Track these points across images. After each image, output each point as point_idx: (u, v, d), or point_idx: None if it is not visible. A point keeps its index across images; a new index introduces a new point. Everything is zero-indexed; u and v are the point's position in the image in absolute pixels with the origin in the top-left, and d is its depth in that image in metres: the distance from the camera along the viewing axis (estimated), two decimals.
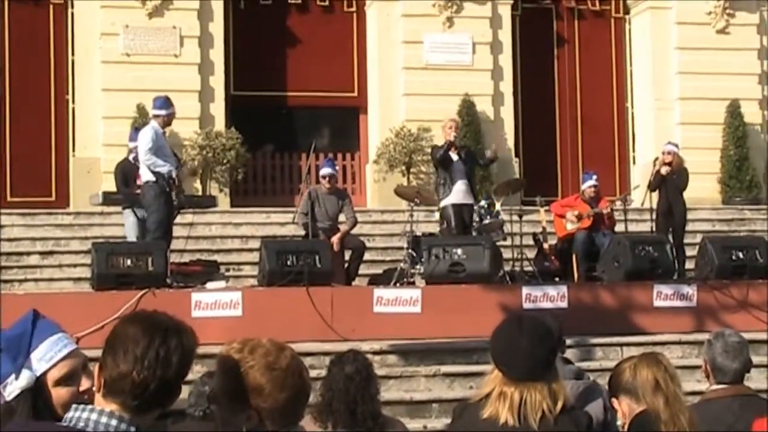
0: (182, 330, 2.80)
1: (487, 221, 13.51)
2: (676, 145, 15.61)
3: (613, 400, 4.22)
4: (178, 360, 2.74)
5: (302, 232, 14.15)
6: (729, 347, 4.78)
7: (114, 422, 2.71)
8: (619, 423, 4.24)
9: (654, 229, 14.93)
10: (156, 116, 12.34)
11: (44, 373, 2.98)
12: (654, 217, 15.19)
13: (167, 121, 12.39)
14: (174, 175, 11.94)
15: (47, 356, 2.99)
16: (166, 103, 12.44)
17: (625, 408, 4.13)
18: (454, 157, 13.58)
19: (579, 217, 14.41)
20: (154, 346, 2.73)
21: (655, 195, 14.86)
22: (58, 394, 2.98)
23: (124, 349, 2.74)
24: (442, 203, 13.54)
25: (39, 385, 2.97)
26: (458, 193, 13.45)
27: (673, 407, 4.03)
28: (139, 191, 12.80)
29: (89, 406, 2.74)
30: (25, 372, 2.96)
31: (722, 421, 4.59)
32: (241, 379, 2.90)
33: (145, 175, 12.04)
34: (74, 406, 2.76)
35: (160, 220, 11.93)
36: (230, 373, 2.93)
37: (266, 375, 2.90)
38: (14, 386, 2.94)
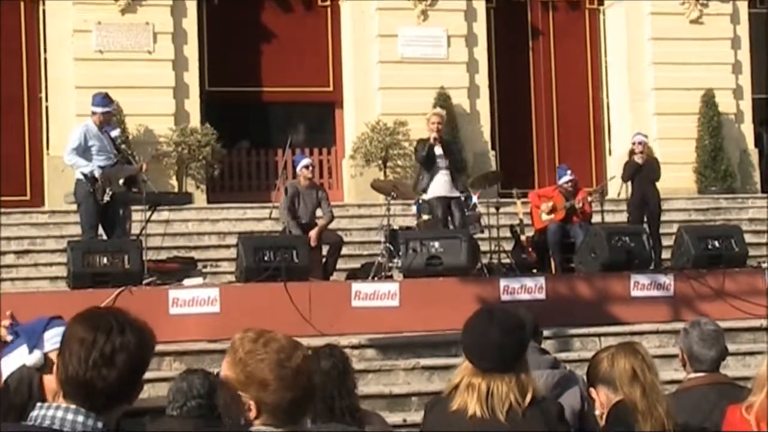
0: (130, 328, 2.75)
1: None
2: (645, 135, 15.71)
3: (591, 390, 4.22)
4: (124, 359, 2.70)
5: (279, 228, 14.13)
6: (705, 336, 4.79)
7: (80, 418, 2.70)
8: (597, 413, 4.24)
9: (629, 219, 15.01)
10: (93, 113, 12.25)
11: (47, 354, 3.16)
12: (627, 207, 15.27)
13: (104, 119, 12.27)
14: (98, 174, 11.91)
15: (53, 339, 3.17)
16: (104, 100, 12.33)
17: (603, 398, 4.14)
18: (438, 150, 13.41)
19: (554, 209, 14.43)
20: (98, 346, 2.69)
21: (629, 186, 14.94)
22: (51, 381, 3.07)
23: (70, 350, 2.73)
24: (426, 197, 13.42)
25: (32, 375, 3.10)
26: (440, 185, 13.27)
27: (650, 397, 4.03)
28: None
29: (54, 404, 2.73)
30: (36, 352, 3.14)
31: (700, 409, 4.60)
32: (250, 371, 2.88)
33: (76, 173, 12.08)
34: (39, 404, 2.76)
35: (87, 218, 12.05)
36: (240, 362, 2.90)
37: (275, 371, 2.87)
38: (21, 359, 3.01)
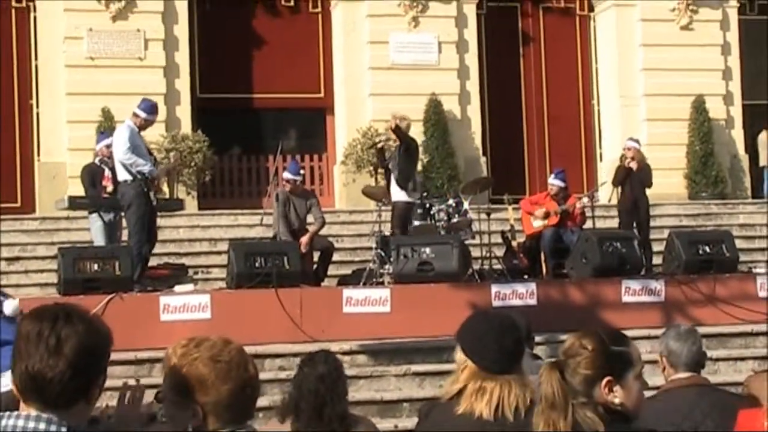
0: (77, 317, 2.69)
1: (455, 220, 13.52)
2: (638, 141, 15.72)
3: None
4: (72, 346, 2.63)
5: (270, 234, 14.10)
6: (681, 333, 4.86)
7: (42, 425, 2.62)
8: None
9: (619, 225, 15.01)
10: (136, 115, 12.07)
11: None
12: (618, 213, 15.27)
13: (145, 125, 12.19)
14: (154, 175, 11.84)
15: None
16: (152, 108, 12.19)
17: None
18: (387, 155, 13.67)
19: (546, 215, 14.44)
20: (44, 336, 2.63)
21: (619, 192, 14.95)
22: None
23: (19, 346, 2.67)
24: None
25: None
26: (392, 191, 13.53)
27: None
28: (105, 194, 12.70)
29: (15, 413, 2.66)
30: None
31: (679, 410, 4.64)
32: (186, 373, 2.90)
33: (122, 174, 11.81)
34: (0, 414, 2.68)
35: (140, 217, 11.72)
36: (175, 368, 2.94)
37: (209, 366, 2.90)
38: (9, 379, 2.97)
